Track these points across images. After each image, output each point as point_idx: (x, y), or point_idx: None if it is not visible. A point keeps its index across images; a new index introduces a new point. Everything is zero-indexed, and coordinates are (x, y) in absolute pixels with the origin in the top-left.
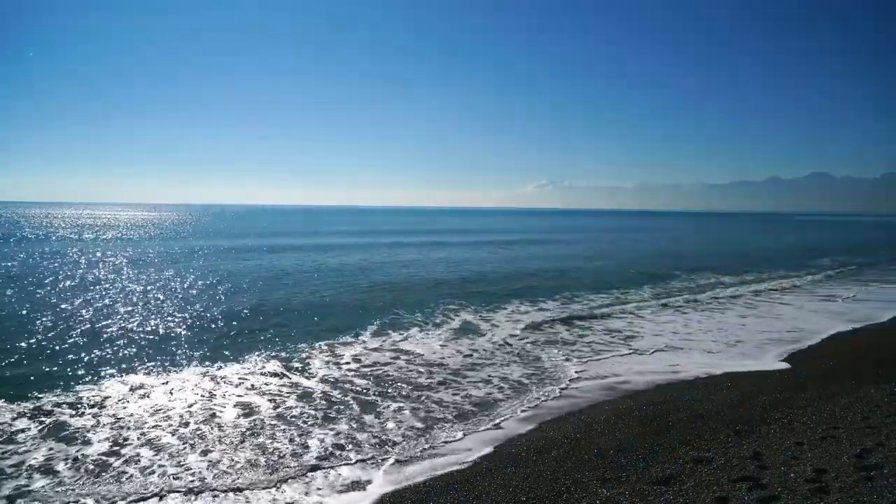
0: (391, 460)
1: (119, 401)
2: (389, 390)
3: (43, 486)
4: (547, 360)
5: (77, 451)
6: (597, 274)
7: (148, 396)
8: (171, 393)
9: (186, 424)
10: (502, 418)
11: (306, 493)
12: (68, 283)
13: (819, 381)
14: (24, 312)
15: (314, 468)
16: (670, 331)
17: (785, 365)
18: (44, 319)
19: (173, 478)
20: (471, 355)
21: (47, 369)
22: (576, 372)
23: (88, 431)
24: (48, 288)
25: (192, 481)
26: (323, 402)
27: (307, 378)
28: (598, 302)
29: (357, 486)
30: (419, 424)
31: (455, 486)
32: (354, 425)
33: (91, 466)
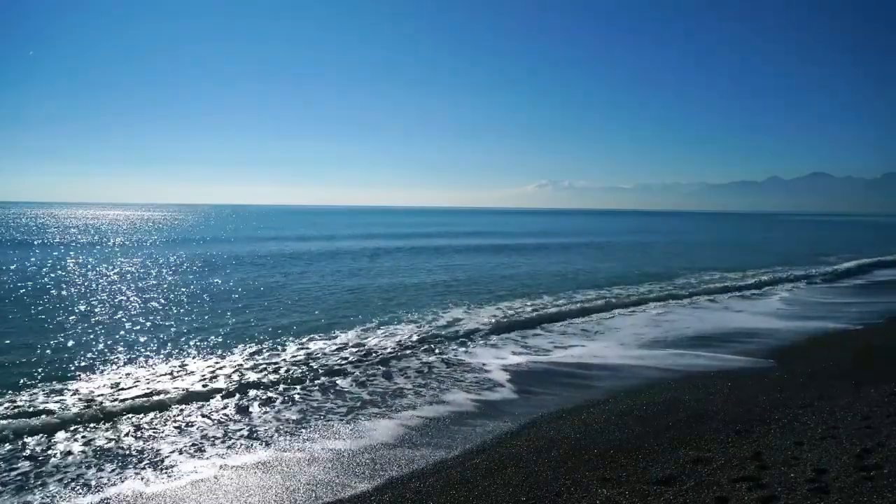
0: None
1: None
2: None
3: None
4: (526, 352)
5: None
6: (595, 273)
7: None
8: (101, 388)
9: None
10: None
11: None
12: (59, 283)
13: (819, 381)
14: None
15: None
16: (661, 328)
17: (783, 365)
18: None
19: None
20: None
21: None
22: (527, 364)
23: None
24: (31, 289)
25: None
26: (253, 399)
27: (254, 373)
28: (592, 295)
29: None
30: (289, 417)
31: (455, 486)
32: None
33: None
